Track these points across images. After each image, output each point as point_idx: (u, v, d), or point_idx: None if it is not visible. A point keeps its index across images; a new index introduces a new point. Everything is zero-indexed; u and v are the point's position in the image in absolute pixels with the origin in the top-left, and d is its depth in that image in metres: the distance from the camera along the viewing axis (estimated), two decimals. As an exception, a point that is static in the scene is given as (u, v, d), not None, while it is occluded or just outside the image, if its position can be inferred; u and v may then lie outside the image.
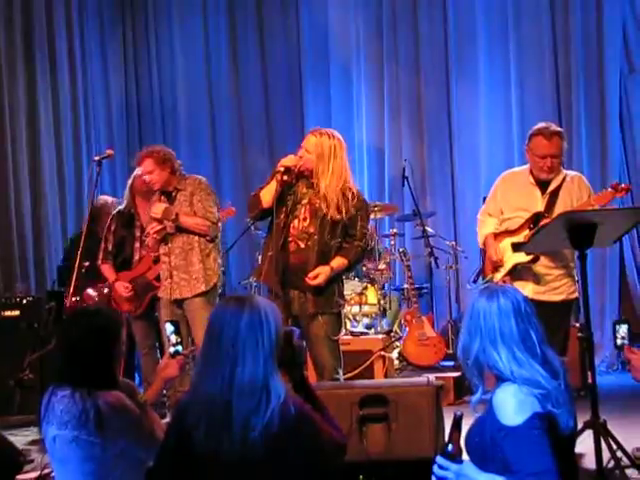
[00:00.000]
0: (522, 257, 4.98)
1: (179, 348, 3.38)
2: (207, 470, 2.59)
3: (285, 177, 4.86)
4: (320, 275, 4.78)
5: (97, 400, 2.97)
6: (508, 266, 5.04)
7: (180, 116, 9.80)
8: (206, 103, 9.76)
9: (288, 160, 4.90)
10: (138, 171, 6.03)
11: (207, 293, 5.66)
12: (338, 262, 4.88)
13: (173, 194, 5.74)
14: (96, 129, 9.34)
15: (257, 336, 2.60)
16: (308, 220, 4.88)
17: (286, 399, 2.58)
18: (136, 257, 6.12)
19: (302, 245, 4.86)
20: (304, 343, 4.74)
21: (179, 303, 5.67)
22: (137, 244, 6.11)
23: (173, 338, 3.39)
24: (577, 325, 6.68)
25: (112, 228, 6.25)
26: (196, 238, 5.67)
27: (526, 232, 5.00)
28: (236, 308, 2.63)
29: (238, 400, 2.56)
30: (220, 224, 5.88)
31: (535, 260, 4.96)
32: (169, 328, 3.43)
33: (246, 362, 2.57)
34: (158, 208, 5.64)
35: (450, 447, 2.59)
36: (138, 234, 6.12)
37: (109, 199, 6.92)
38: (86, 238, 5.96)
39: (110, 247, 6.22)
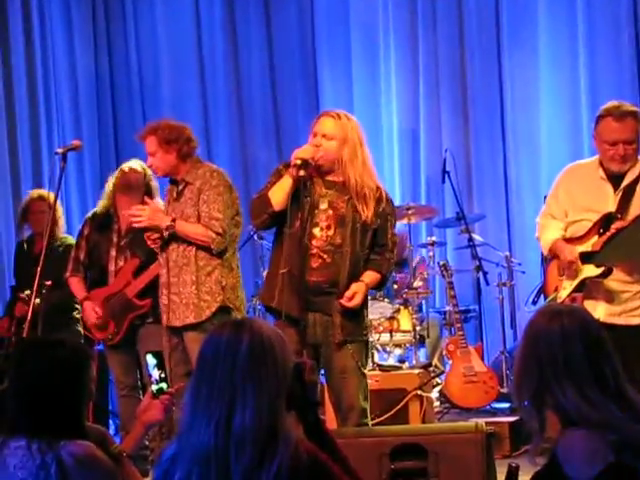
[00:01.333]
0: (591, 270, 4.98)
1: (163, 385, 3.39)
2: None
3: (302, 172, 4.88)
4: (357, 295, 4.90)
5: (59, 452, 2.97)
6: (575, 282, 5.04)
7: (164, 97, 9.85)
8: (196, 81, 9.81)
9: (305, 151, 4.93)
10: (124, 165, 6.07)
11: (201, 325, 5.43)
12: (371, 277, 5.01)
13: (180, 187, 5.62)
14: (59, 114, 9.39)
15: (260, 370, 2.59)
16: (333, 229, 4.94)
17: (297, 448, 2.58)
18: (111, 268, 6.11)
19: (328, 260, 4.92)
20: (319, 378, 4.78)
21: (176, 331, 5.55)
22: (113, 252, 6.10)
23: (156, 373, 3.40)
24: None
25: (85, 233, 6.26)
26: (194, 250, 5.49)
27: (595, 239, 4.99)
28: (232, 335, 2.63)
29: (237, 451, 2.55)
30: (237, 232, 5.67)
31: (607, 273, 4.95)
32: (151, 361, 3.44)
33: (246, 403, 2.57)
34: (145, 212, 5.54)
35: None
36: (115, 239, 6.13)
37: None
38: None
39: (82, 256, 6.23)
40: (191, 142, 5.66)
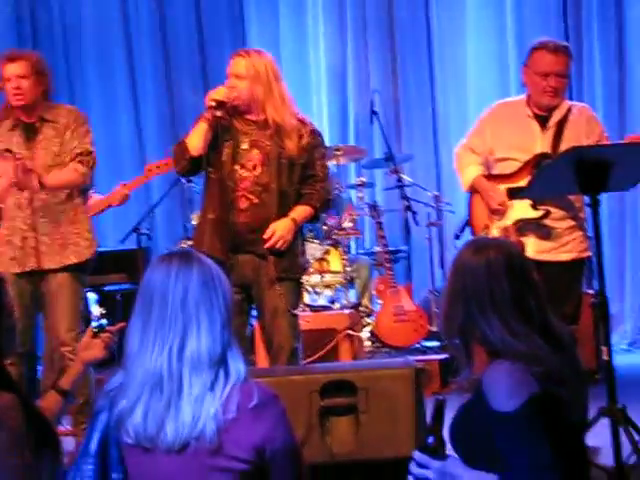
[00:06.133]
0: (528, 211, 5.04)
1: (104, 322, 3.37)
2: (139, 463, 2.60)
3: (218, 113, 4.88)
4: (276, 233, 4.85)
5: None
6: (509, 222, 5.09)
7: (86, 38, 9.64)
8: (120, 21, 9.62)
9: (217, 93, 4.92)
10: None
11: (81, 266, 5.29)
12: (300, 212, 4.98)
13: (37, 125, 5.36)
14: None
15: (212, 297, 2.62)
16: (259, 168, 4.92)
17: (250, 382, 2.61)
18: None
19: (255, 200, 4.91)
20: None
21: (33, 277, 5.31)
22: None
23: (96, 310, 3.39)
24: (591, 292, 6.76)
25: None
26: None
27: (528, 178, 5.02)
28: (183, 264, 2.64)
29: (192, 372, 2.57)
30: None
31: (546, 216, 5.01)
32: (92, 297, 3.43)
33: (201, 328, 2.59)
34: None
35: (431, 439, 2.60)
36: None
37: None
38: None
39: None
40: (53, 84, 5.47)
